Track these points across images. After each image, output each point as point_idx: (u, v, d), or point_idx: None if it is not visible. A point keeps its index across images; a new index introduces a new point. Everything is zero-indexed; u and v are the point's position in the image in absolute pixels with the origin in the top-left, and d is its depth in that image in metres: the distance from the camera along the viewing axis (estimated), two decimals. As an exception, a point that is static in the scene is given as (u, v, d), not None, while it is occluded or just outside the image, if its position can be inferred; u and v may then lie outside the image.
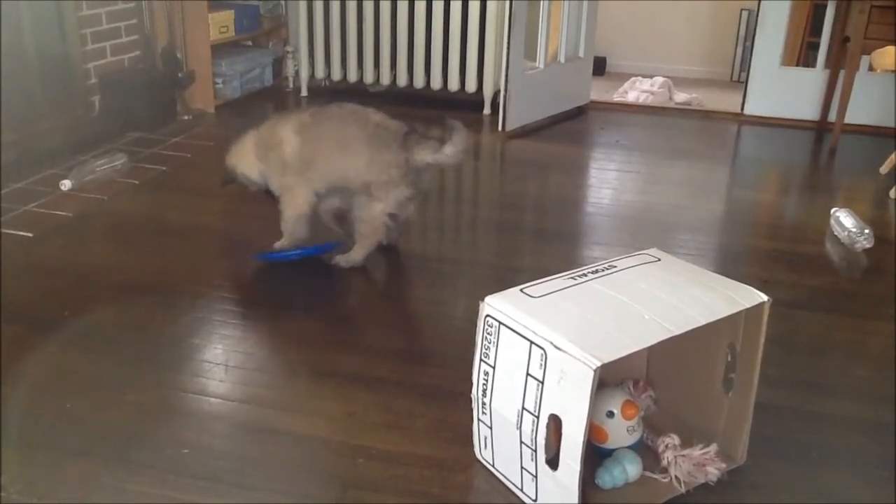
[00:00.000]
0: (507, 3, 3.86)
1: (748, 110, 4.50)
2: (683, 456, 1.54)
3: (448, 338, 2.19)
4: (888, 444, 1.74)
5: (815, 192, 3.63)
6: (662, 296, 1.51)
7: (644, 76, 5.27)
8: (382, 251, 2.55)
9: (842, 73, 4.02)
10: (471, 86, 4.41)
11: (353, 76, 4.58)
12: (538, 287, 1.54)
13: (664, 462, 1.56)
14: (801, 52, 5.05)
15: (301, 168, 2.42)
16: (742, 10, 5.59)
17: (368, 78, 4.57)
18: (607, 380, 1.59)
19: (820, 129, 4.32)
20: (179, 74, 4.03)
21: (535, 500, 1.49)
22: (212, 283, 2.40)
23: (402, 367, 1.99)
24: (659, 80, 5.14)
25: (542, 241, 2.90)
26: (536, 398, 1.40)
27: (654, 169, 3.74)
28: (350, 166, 2.38)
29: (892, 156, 3.53)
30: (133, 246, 2.66)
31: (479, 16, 4.26)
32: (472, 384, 1.56)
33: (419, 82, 4.47)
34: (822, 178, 3.86)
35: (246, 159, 2.51)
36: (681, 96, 5.06)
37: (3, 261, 2.45)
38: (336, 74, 4.60)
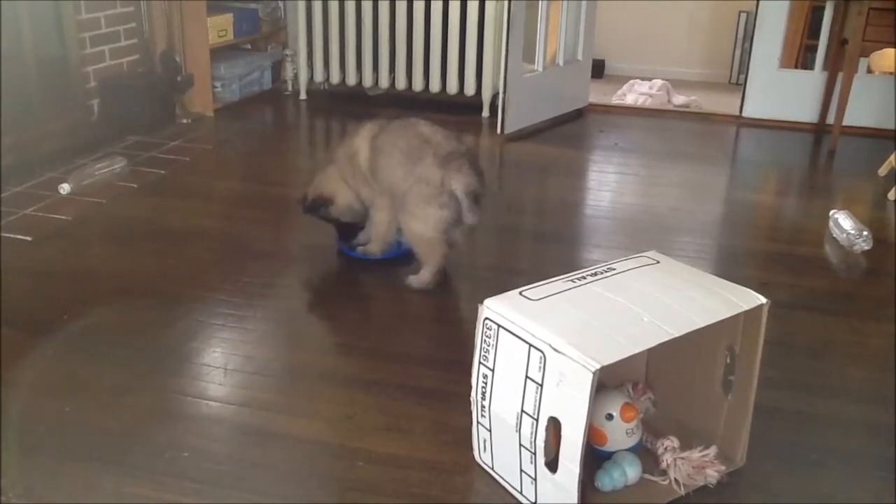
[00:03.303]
0: (506, 6, 3.87)
1: (747, 112, 4.50)
2: (683, 458, 1.54)
3: (447, 340, 2.19)
4: (888, 445, 1.74)
5: (813, 194, 3.63)
6: (661, 298, 1.51)
7: (643, 79, 5.28)
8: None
9: (840, 76, 4.02)
10: (469, 89, 4.41)
11: (351, 79, 4.58)
12: (537, 290, 1.54)
13: (664, 464, 1.56)
14: (800, 55, 5.06)
15: (372, 177, 2.42)
16: (740, 12, 5.59)
17: (367, 81, 4.57)
18: (606, 382, 1.59)
19: (818, 131, 4.32)
20: (178, 78, 4.03)
21: (535, 503, 1.49)
22: (211, 287, 2.40)
23: (401, 370, 1.99)
24: (657, 82, 5.14)
25: (541, 243, 2.90)
26: (535, 401, 1.40)
27: (653, 171, 3.74)
28: (392, 177, 2.36)
29: (891, 157, 3.53)
30: (132, 249, 2.66)
31: (478, 18, 4.27)
32: (471, 387, 1.56)
33: (418, 85, 4.47)
34: (820, 180, 3.86)
35: (332, 183, 2.51)
36: (679, 98, 5.06)
37: (3, 264, 2.45)
38: (335, 78, 4.60)
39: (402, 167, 2.33)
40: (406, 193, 2.32)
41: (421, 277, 2.40)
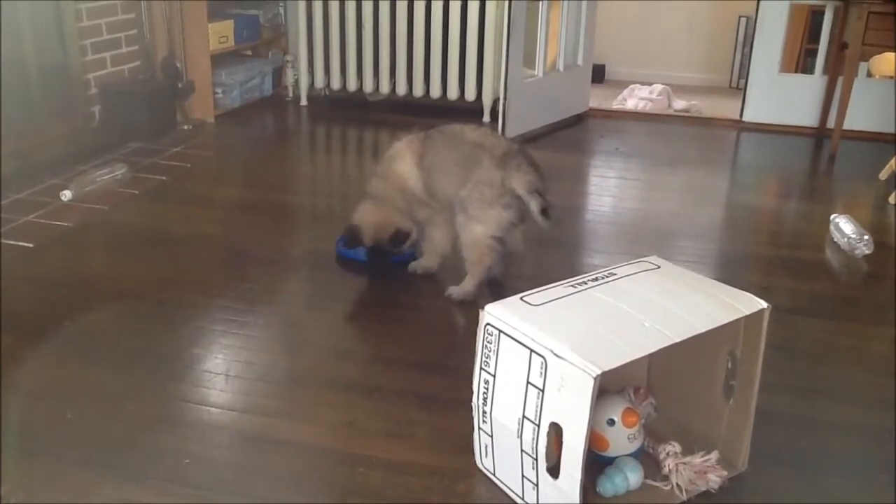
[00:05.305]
0: (506, 11, 3.87)
1: (747, 117, 4.51)
2: (685, 463, 1.54)
3: (448, 346, 2.19)
4: (889, 449, 1.74)
5: (814, 199, 3.63)
6: (662, 303, 1.51)
7: (643, 83, 5.29)
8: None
9: (840, 80, 4.02)
10: (470, 94, 4.42)
11: (352, 85, 4.59)
12: (538, 295, 1.54)
13: (665, 470, 1.56)
14: (800, 59, 5.07)
15: (430, 197, 2.40)
16: (740, 16, 5.60)
17: (368, 87, 4.58)
18: (608, 387, 1.59)
19: (819, 136, 4.33)
20: (179, 84, 4.04)
21: (537, 509, 1.49)
22: (212, 293, 2.40)
23: (402, 376, 1.99)
24: (658, 87, 5.15)
25: (542, 248, 2.90)
26: (537, 406, 1.40)
27: (654, 176, 3.74)
28: (451, 190, 2.33)
29: (892, 161, 3.53)
30: (133, 256, 2.66)
31: (478, 24, 4.28)
32: (472, 392, 1.56)
33: (418, 91, 4.48)
34: (821, 185, 3.87)
35: (394, 216, 2.43)
36: (680, 103, 5.07)
37: (4, 271, 2.45)
38: (335, 83, 4.61)
39: (460, 178, 2.30)
40: (466, 199, 2.29)
41: (463, 287, 2.35)
